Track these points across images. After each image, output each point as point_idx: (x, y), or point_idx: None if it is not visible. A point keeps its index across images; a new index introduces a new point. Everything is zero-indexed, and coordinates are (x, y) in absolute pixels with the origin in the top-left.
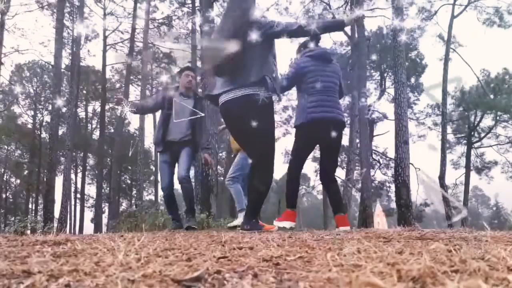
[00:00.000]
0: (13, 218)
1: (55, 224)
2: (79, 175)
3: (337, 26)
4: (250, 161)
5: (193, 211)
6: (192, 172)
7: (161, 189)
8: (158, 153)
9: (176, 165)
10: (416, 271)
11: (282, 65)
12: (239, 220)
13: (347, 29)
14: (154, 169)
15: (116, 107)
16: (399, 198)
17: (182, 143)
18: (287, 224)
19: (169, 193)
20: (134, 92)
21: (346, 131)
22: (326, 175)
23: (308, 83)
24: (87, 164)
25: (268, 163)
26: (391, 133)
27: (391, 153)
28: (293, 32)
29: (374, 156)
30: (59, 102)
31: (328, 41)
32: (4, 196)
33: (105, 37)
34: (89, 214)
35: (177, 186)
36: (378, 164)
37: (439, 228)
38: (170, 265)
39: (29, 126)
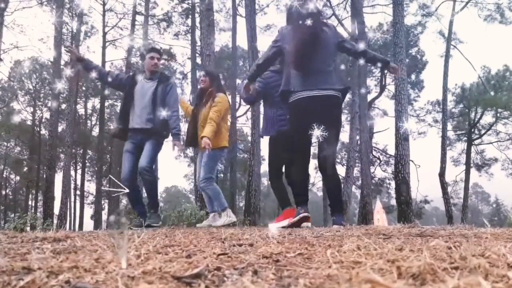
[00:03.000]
0: (12, 215)
1: (55, 221)
2: (79, 171)
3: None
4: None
5: (156, 206)
6: (191, 169)
7: (122, 179)
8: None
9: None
10: (416, 268)
11: None
12: (224, 218)
13: (347, 25)
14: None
15: (69, 55)
16: (399, 195)
17: (146, 132)
18: (285, 222)
19: (129, 185)
20: None
21: (347, 128)
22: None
23: (275, 97)
24: (86, 161)
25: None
26: (391, 130)
27: (391, 150)
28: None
29: (374, 153)
30: (54, 104)
31: None
32: (3, 192)
33: (104, 34)
34: (88, 211)
35: (177, 183)
36: (378, 161)
37: (439, 225)
38: (170, 261)
39: (29, 122)
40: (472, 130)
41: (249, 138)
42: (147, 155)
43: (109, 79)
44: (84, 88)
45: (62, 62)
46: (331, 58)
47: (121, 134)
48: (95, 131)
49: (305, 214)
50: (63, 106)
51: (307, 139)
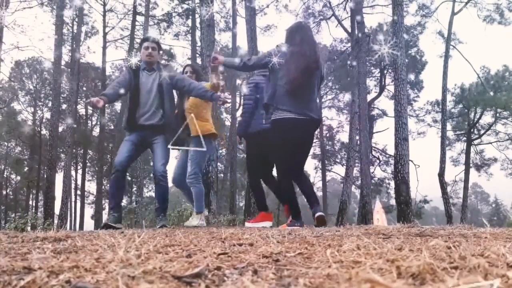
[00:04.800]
0: (13, 215)
1: (56, 221)
2: (79, 171)
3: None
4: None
5: (165, 210)
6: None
7: (115, 164)
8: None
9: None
10: (415, 267)
11: None
12: (196, 221)
13: (347, 26)
14: None
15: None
16: (399, 195)
17: (155, 129)
18: (267, 224)
19: (122, 173)
20: None
21: (346, 128)
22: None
23: (262, 98)
24: (87, 161)
25: None
26: (390, 130)
27: (391, 150)
28: None
29: (373, 153)
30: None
31: (328, 38)
32: (4, 192)
33: (105, 34)
34: (89, 211)
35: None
36: (378, 161)
37: (438, 225)
38: (171, 261)
39: (29, 123)
40: (472, 130)
41: None
42: (162, 158)
43: (122, 91)
44: (84, 88)
45: (63, 62)
46: (316, 88)
47: (130, 129)
48: (96, 131)
49: (300, 227)
50: (64, 106)
51: (288, 154)
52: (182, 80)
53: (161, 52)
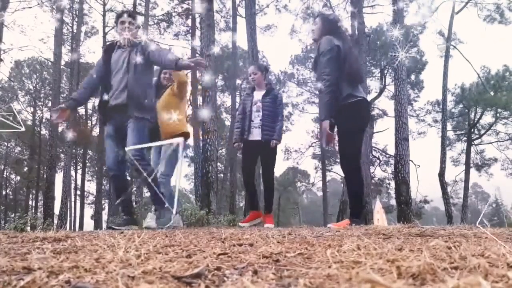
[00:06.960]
0: (13, 215)
1: (55, 221)
2: (79, 171)
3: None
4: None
5: (163, 204)
6: (191, 169)
7: (107, 168)
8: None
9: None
10: (416, 267)
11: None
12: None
13: (347, 26)
14: None
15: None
16: (399, 195)
17: (122, 110)
18: (258, 221)
19: (116, 174)
20: None
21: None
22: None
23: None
24: (86, 161)
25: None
26: (391, 130)
27: (391, 150)
28: None
29: (374, 153)
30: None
31: None
32: (4, 192)
33: (104, 34)
34: (89, 211)
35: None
36: (378, 161)
37: (438, 225)
38: (170, 261)
39: (29, 122)
40: (472, 130)
41: None
42: (130, 140)
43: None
44: None
45: (62, 62)
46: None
47: (102, 110)
48: (95, 131)
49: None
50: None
51: (359, 139)
52: (153, 52)
53: (138, 28)
